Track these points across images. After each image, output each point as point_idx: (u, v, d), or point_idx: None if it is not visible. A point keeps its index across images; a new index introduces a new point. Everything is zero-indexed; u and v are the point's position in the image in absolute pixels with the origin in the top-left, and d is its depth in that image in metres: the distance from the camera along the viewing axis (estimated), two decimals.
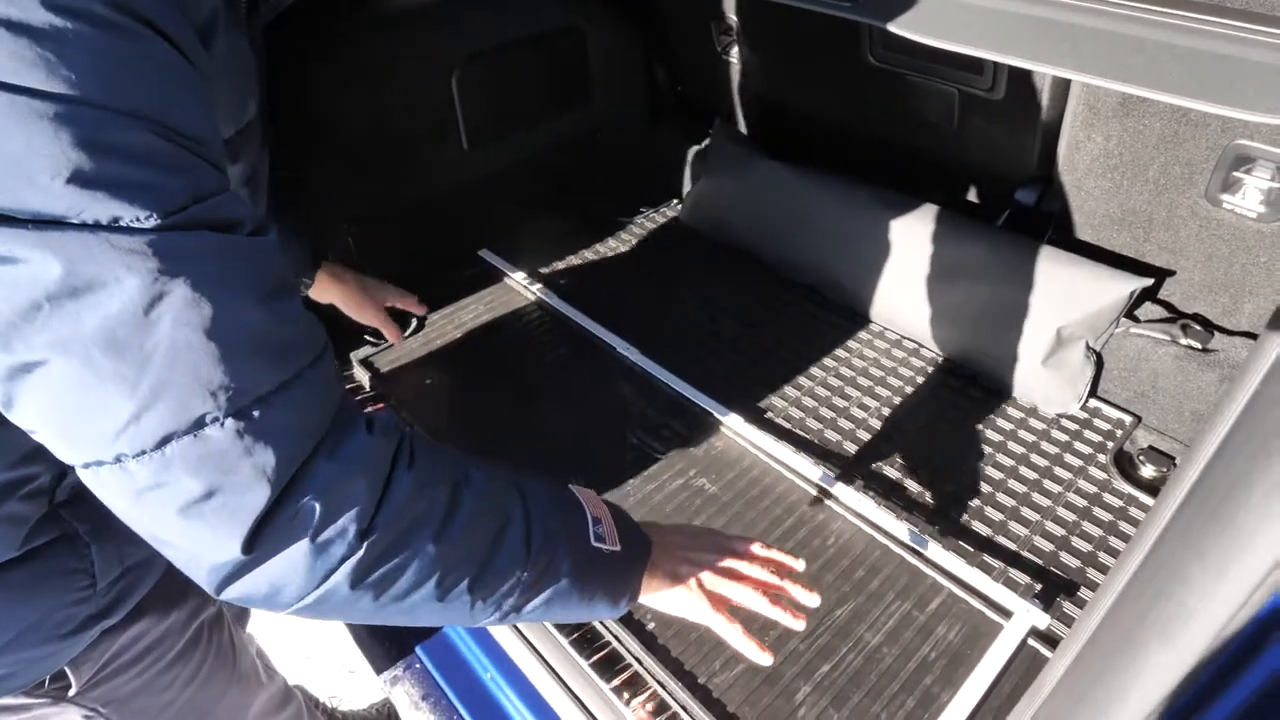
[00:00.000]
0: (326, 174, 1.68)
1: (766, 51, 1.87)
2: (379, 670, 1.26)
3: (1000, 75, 1.46)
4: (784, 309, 1.78)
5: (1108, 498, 1.33)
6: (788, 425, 1.50)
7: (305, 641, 2.04)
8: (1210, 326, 1.45)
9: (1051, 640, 1.13)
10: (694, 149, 2.15)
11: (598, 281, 1.90)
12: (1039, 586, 1.20)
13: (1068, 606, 1.17)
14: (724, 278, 1.88)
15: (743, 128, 2.11)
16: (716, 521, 1.32)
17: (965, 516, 1.31)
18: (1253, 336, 1.41)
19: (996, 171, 1.63)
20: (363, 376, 1.63)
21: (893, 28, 1.10)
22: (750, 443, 1.45)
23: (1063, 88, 1.41)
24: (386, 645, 1.27)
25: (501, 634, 1.20)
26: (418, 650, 1.24)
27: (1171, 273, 1.47)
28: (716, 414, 1.51)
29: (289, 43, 1.58)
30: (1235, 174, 1.28)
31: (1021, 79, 1.44)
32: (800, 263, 1.84)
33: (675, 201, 2.18)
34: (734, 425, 1.48)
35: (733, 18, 1.87)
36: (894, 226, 1.68)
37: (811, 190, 1.81)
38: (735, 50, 1.95)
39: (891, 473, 1.39)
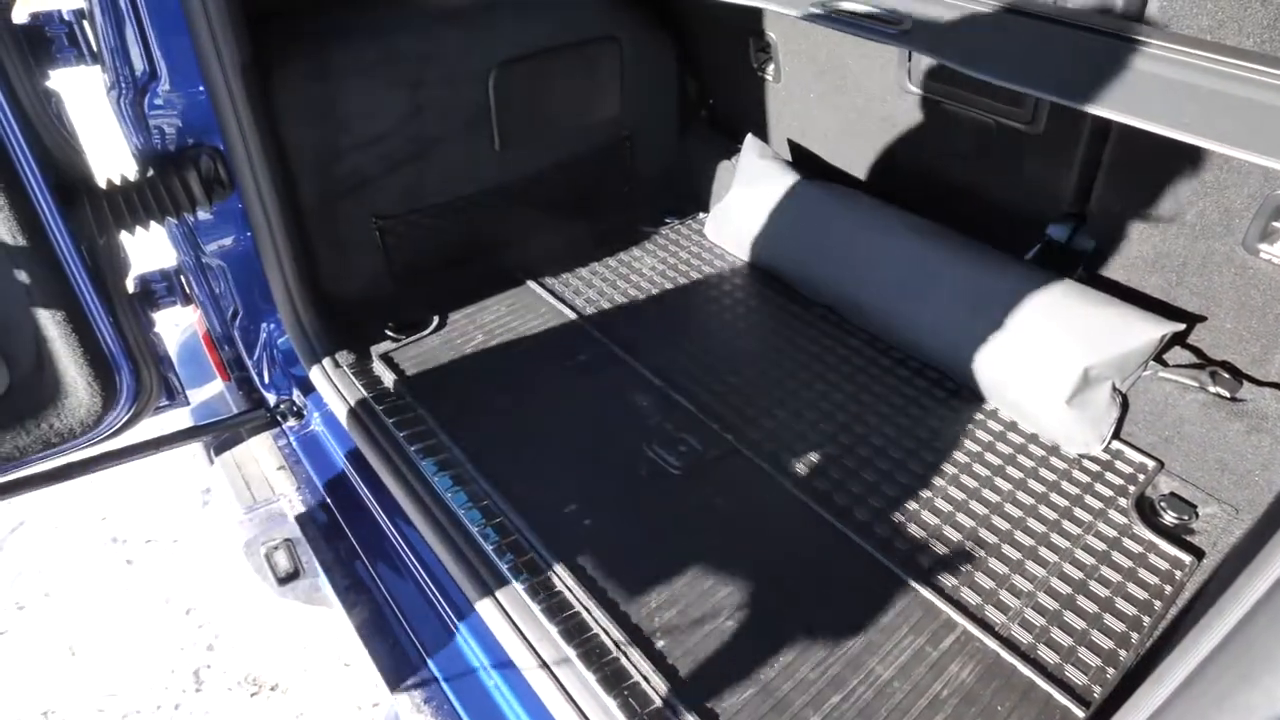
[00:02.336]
0: (354, 166, 1.68)
1: (803, 70, 1.86)
2: (382, 670, 1.26)
3: (1041, 110, 1.45)
4: (805, 329, 1.77)
5: (1128, 543, 1.31)
6: (804, 448, 1.49)
7: (302, 633, 2.04)
8: (1239, 375, 1.44)
9: (1065, 685, 1.11)
10: (722, 163, 2.14)
11: (619, 290, 1.89)
12: (1054, 629, 1.19)
13: (1083, 652, 1.16)
14: (745, 293, 1.88)
15: (773, 144, 2.11)
16: (731, 543, 1.31)
17: (982, 553, 1.30)
18: None
19: (1029, 205, 1.62)
20: (383, 371, 1.63)
21: (942, 60, 1.10)
22: (765, 464, 1.44)
23: (1103, 126, 1.40)
24: (394, 653, 1.27)
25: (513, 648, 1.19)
26: (430, 663, 1.24)
27: (1203, 319, 1.45)
28: (733, 434, 1.50)
29: (315, 31, 1.59)
30: (1275, 224, 1.27)
31: (1062, 115, 1.43)
32: (822, 282, 1.83)
33: (701, 214, 2.17)
34: (750, 446, 1.47)
35: (771, 35, 1.87)
36: (920, 253, 1.67)
37: (839, 211, 1.80)
38: (771, 67, 1.95)
39: (910, 504, 1.38)
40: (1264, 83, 0.96)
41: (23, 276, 1.25)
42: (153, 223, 1.41)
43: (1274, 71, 0.97)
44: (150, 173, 1.40)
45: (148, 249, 1.56)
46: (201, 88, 1.38)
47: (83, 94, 1.53)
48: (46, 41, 1.28)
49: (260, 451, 1.61)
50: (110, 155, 1.52)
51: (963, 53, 1.10)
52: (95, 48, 1.32)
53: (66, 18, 1.29)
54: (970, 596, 1.23)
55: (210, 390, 1.83)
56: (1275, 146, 0.89)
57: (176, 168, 1.41)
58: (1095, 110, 0.99)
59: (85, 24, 1.31)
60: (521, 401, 1.58)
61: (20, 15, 1.24)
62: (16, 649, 2.07)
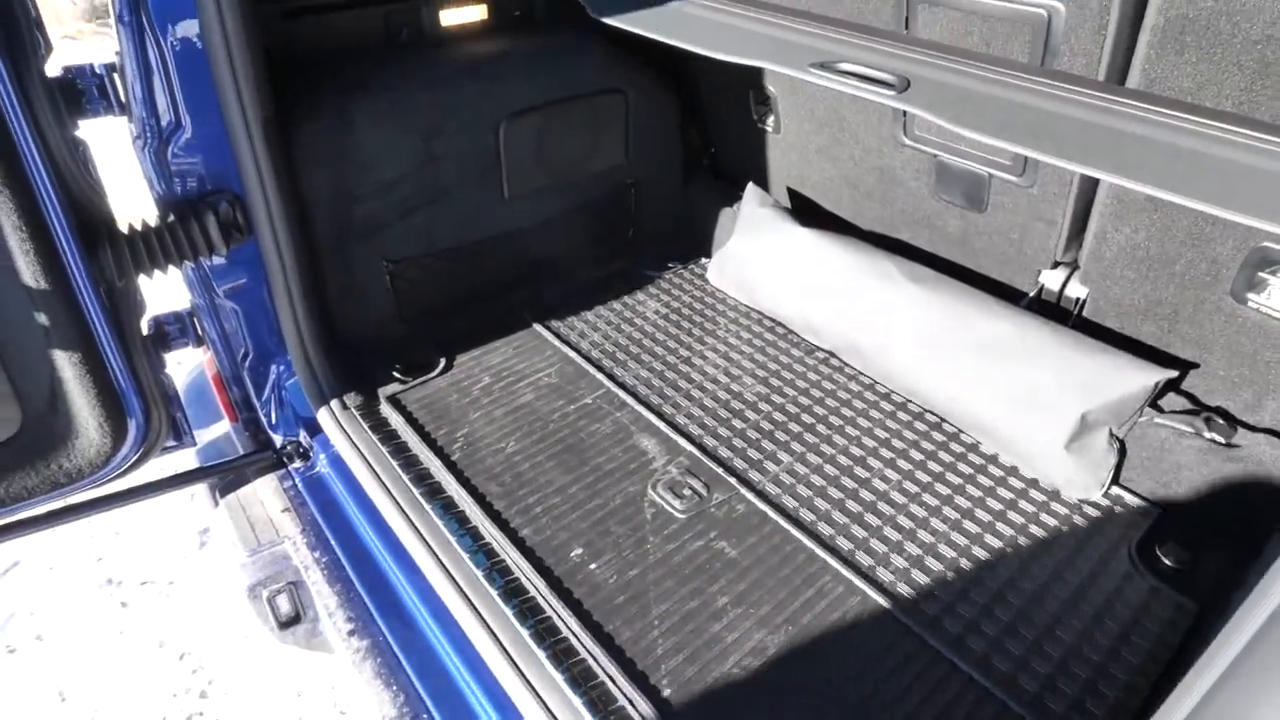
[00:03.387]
0: (368, 213, 1.73)
1: (802, 123, 1.93)
2: (381, 717, 1.25)
3: (1032, 163, 1.51)
4: (806, 373, 1.80)
5: (1130, 589, 1.32)
6: (808, 493, 1.50)
7: (298, 680, 2.02)
8: (1233, 421, 1.46)
9: None
10: (724, 209, 2.20)
11: (624, 334, 1.93)
12: (1061, 678, 1.19)
13: (1090, 702, 1.16)
14: (748, 337, 1.91)
15: (773, 192, 2.17)
16: (736, 587, 1.31)
17: (986, 600, 1.31)
18: (1276, 434, 1.42)
19: (1024, 254, 1.67)
20: (390, 413, 1.65)
21: (938, 119, 1.15)
22: (771, 508, 1.45)
23: (1093, 179, 1.46)
24: (396, 699, 1.26)
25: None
26: (431, 709, 1.23)
27: (1195, 365, 1.48)
28: (737, 477, 1.51)
29: (335, 84, 1.65)
30: (1261, 274, 1.31)
31: (1052, 168, 1.49)
32: (823, 327, 1.87)
33: (703, 259, 2.22)
34: (754, 490, 1.49)
35: (771, 89, 1.94)
36: (918, 299, 1.71)
37: (838, 258, 1.85)
38: (771, 119, 2.02)
39: (912, 548, 1.39)
40: (1241, 143, 1.01)
41: (42, 319, 1.28)
42: (170, 266, 1.44)
43: (1250, 133, 1.02)
44: (170, 218, 1.44)
45: (161, 290, 1.59)
46: (224, 138, 1.42)
47: (107, 142, 1.57)
48: (78, 93, 1.32)
49: (265, 493, 1.61)
50: (132, 200, 1.56)
51: (955, 112, 1.16)
52: (124, 99, 1.37)
53: (98, 71, 1.34)
54: (977, 644, 1.23)
55: (216, 431, 1.84)
56: (1251, 205, 0.94)
57: (196, 213, 1.45)
58: (1080, 169, 1.04)
59: (116, 77, 1.36)
60: (527, 444, 1.59)
61: (54, 68, 1.29)
62: (6, 693, 2.03)
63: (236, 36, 1.35)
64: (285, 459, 1.67)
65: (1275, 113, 1.14)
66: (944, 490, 1.51)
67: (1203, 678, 0.56)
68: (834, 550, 1.38)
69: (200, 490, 1.70)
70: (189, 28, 1.35)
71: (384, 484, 1.48)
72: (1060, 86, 1.19)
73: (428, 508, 1.43)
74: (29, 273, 1.22)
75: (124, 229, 1.39)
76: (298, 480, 1.62)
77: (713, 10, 1.61)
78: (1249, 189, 0.96)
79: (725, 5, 1.62)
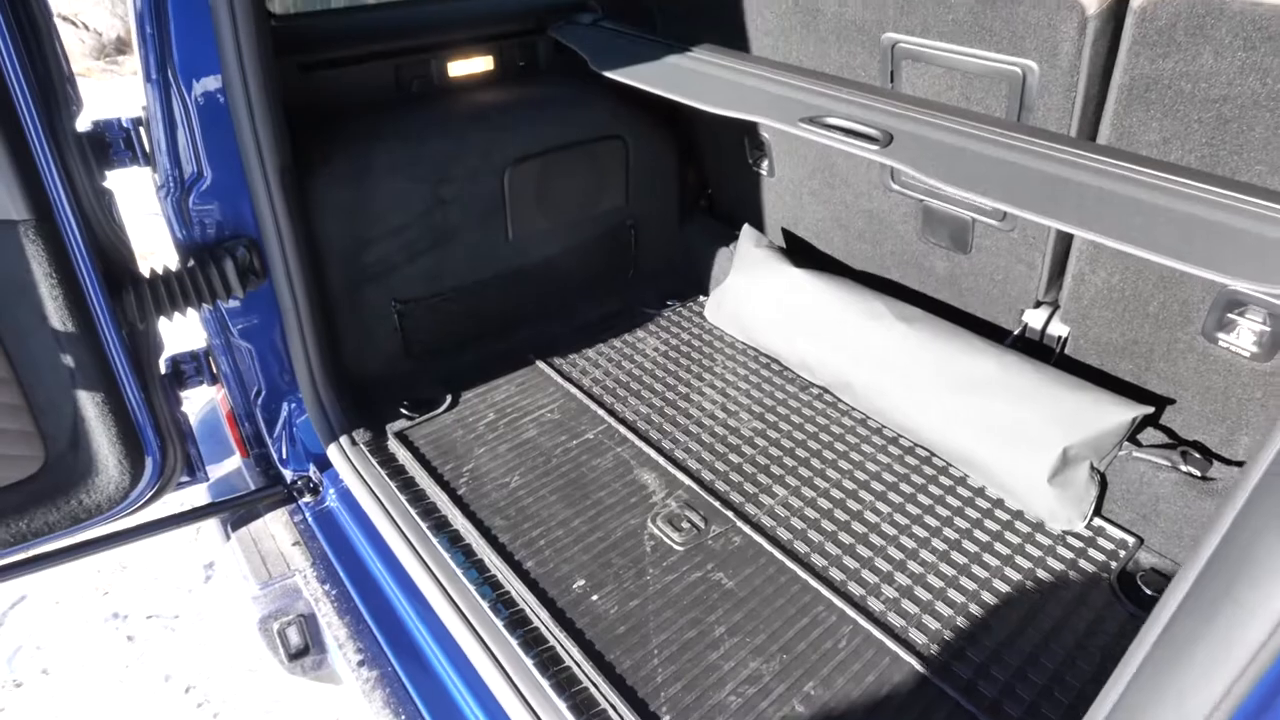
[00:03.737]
0: (378, 256, 1.80)
1: (795, 168, 2.01)
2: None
3: None
4: (800, 408, 1.86)
5: (1110, 618, 1.37)
6: (802, 525, 1.55)
7: (303, 712, 2.04)
8: (1209, 455, 1.52)
9: None
10: (721, 249, 2.28)
11: (624, 370, 1.99)
12: (1044, 704, 1.23)
13: None
14: (744, 373, 1.97)
15: (768, 233, 2.25)
16: (733, 617, 1.36)
17: (973, 628, 1.35)
18: None
19: (1007, 294, 1.74)
20: (397, 449, 1.70)
21: (917, 173, 1.23)
22: (766, 540, 1.50)
23: None
24: None
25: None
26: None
27: (1172, 401, 1.55)
28: (734, 511, 1.57)
29: (350, 135, 1.73)
30: (1230, 315, 1.38)
31: None
32: (816, 363, 1.93)
33: (701, 297, 2.29)
34: (750, 523, 1.54)
35: (765, 135, 2.03)
36: (907, 337, 1.77)
37: (830, 297, 1.92)
38: (765, 163, 2.10)
39: (902, 579, 1.44)
40: (1200, 198, 1.09)
41: (68, 360, 1.34)
42: (189, 308, 1.51)
43: (1209, 188, 1.10)
44: (190, 262, 1.51)
45: (177, 330, 1.65)
46: (242, 186, 1.50)
47: (128, 189, 1.65)
48: (105, 146, 1.40)
49: (276, 527, 1.66)
50: (153, 245, 1.62)
51: (935, 166, 1.23)
52: (149, 151, 1.44)
53: (125, 124, 1.42)
54: (963, 670, 1.28)
55: (227, 466, 1.89)
56: (1212, 260, 1.01)
57: (214, 258, 1.52)
58: (1048, 222, 1.11)
59: (142, 130, 1.44)
60: (531, 479, 1.64)
61: (84, 123, 1.36)
62: None
63: (257, 90, 1.43)
64: (295, 494, 1.72)
65: (1234, 167, 1.22)
66: (933, 522, 1.56)
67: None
68: (827, 581, 1.43)
69: (208, 525, 1.74)
70: (212, 82, 1.43)
71: (392, 518, 1.53)
72: (1034, 141, 1.27)
73: (435, 541, 1.48)
74: (57, 317, 1.29)
75: (146, 273, 1.46)
76: (308, 514, 1.67)
77: (708, 64, 1.70)
78: (1204, 242, 1.04)
79: (720, 59, 1.71)
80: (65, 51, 1.26)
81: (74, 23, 9.13)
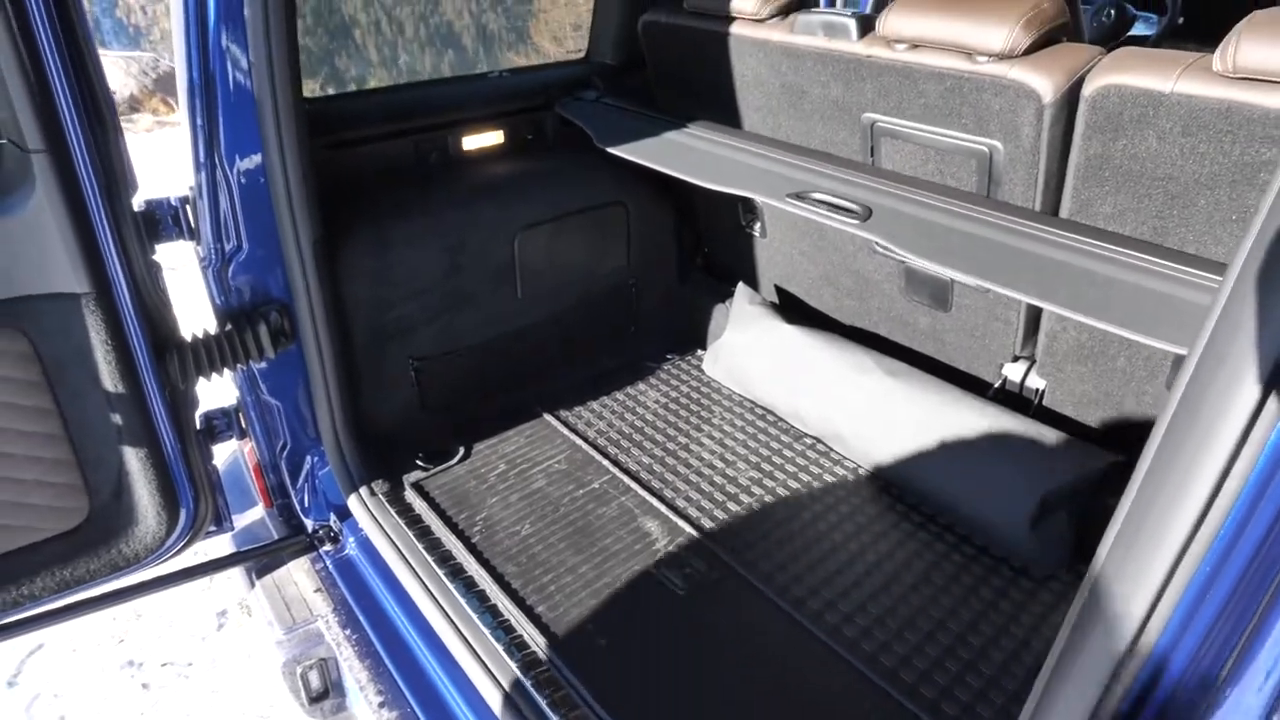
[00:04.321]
0: (399, 317, 1.92)
1: (786, 231, 2.15)
2: None
3: None
4: (795, 458, 1.97)
5: None
6: (797, 570, 1.64)
7: None
8: None
9: None
10: (718, 305, 2.40)
11: (627, 422, 2.10)
12: None
13: None
14: (740, 424, 2.08)
15: (762, 290, 2.38)
16: (734, 660, 1.44)
17: (960, 668, 1.43)
18: None
19: (987, 348, 1.86)
20: (414, 499, 1.80)
21: (893, 245, 1.36)
22: (764, 584, 1.59)
23: None
24: None
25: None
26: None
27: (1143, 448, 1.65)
28: (734, 556, 1.66)
29: (375, 209, 1.87)
30: None
31: None
32: (809, 415, 2.04)
33: (699, 351, 2.41)
34: (749, 567, 1.63)
35: (757, 200, 2.17)
36: (894, 390, 1.89)
37: (821, 352, 2.04)
38: (758, 225, 2.24)
39: (892, 622, 1.52)
40: (1149, 270, 1.21)
41: (116, 419, 1.45)
42: (226, 369, 1.62)
43: (1157, 260, 1.23)
44: (228, 327, 1.63)
45: (210, 389, 1.76)
46: (277, 257, 1.63)
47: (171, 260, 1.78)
48: (156, 222, 1.54)
49: (299, 574, 1.75)
50: (192, 311, 1.75)
51: (910, 241, 1.37)
52: (195, 226, 1.58)
53: (174, 203, 1.55)
54: (951, 708, 1.35)
55: (250, 517, 1.98)
56: (1155, 327, 1.13)
57: (249, 322, 1.64)
58: (1011, 293, 1.24)
59: (188, 207, 1.57)
60: (540, 527, 1.74)
61: (138, 203, 1.50)
62: None
63: (293, 169, 1.58)
64: (317, 542, 1.81)
65: (1182, 238, 1.35)
66: (921, 567, 1.65)
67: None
68: (822, 623, 1.51)
69: (233, 573, 1.83)
70: (253, 164, 1.57)
71: (410, 565, 1.62)
72: (999, 216, 1.41)
73: (450, 587, 1.57)
74: (109, 381, 1.40)
75: (188, 338, 1.58)
76: (328, 562, 1.76)
77: (703, 140, 1.85)
78: (1151, 312, 1.16)
79: (714, 135, 1.86)
80: (124, 138, 1.41)
81: None
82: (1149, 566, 0.65)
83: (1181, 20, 2.93)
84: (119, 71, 9.80)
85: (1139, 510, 0.66)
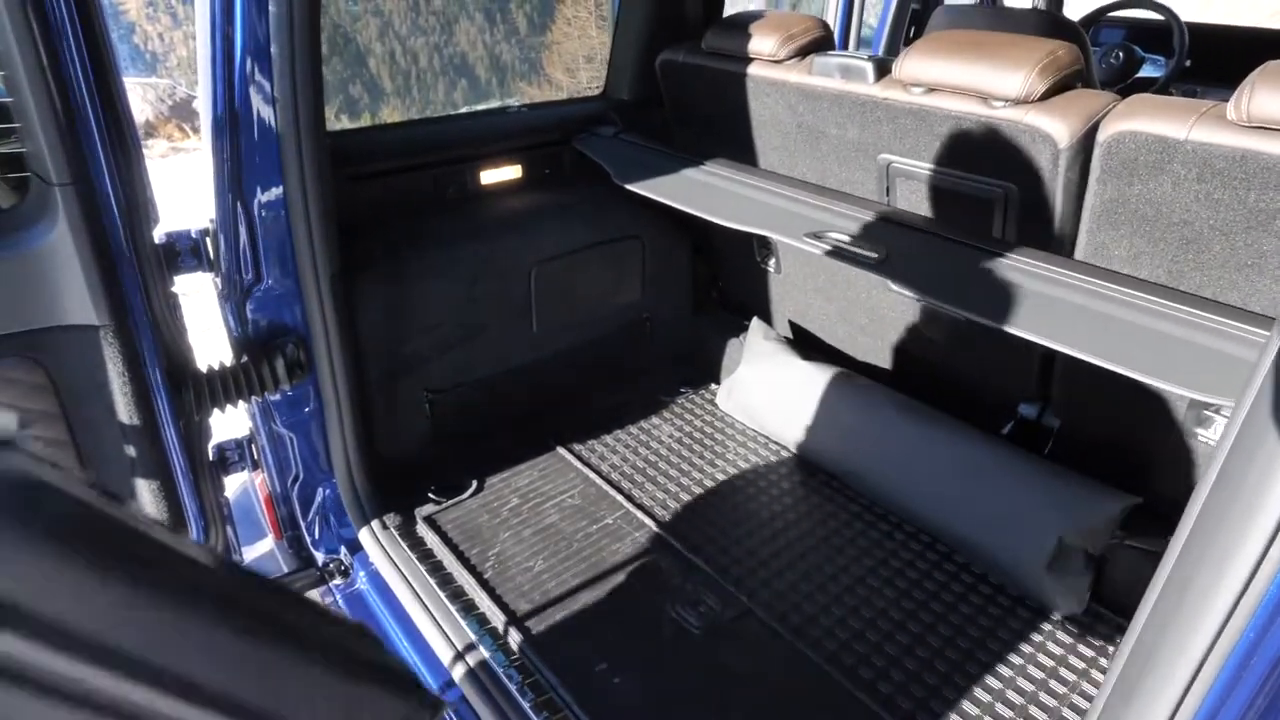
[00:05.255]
0: (414, 350, 1.93)
1: (801, 267, 2.16)
2: None
3: None
4: (809, 495, 1.95)
5: None
6: (813, 610, 1.62)
7: None
8: None
9: None
10: (732, 340, 2.41)
11: (640, 456, 2.09)
12: None
13: None
14: (754, 460, 2.07)
15: (776, 325, 2.38)
16: (749, 700, 1.42)
17: (979, 711, 1.41)
18: None
19: (1002, 387, 1.85)
20: (426, 533, 1.79)
21: (910, 290, 1.36)
22: (779, 623, 1.57)
23: None
24: None
25: None
26: None
27: (1159, 491, 1.64)
28: (748, 595, 1.64)
29: (392, 241, 1.89)
30: (1205, 412, 1.49)
31: None
32: (824, 452, 2.03)
33: (713, 385, 2.41)
34: (763, 607, 1.61)
35: (772, 238, 2.19)
36: (908, 429, 1.88)
37: (835, 389, 2.03)
38: (773, 261, 2.25)
39: (909, 663, 1.50)
40: (1165, 314, 1.21)
41: (131, 450, 1.45)
42: (240, 401, 1.62)
43: (1173, 304, 1.23)
44: (244, 358, 1.63)
45: (223, 419, 1.76)
46: (294, 290, 1.64)
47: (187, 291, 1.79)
48: (175, 255, 1.55)
49: None
50: (208, 343, 1.75)
51: (926, 283, 1.37)
52: (214, 258, 1.59)
53: (194, 235, 1.57)
54: None
55: (259, 549, 1.97)
56: (1172, 372, 1.13)
57: (266, 354, 1.64)
58: (1028, 335, 1.24)
59: (208, 240, 1.59)
60: (554, 563, 1.72)
61: (159, 235, 1.51)
62: None
63: (315, 202, 1.59)
64: (327, 575, 1.79)
65: (1197, 282, 1.35)
66: (938, 608, 1.63)
67: None
68: (838, 664, 1.49)
69: None
70: (275, 196, 1.58)
71: (421, 600, 1.61)
72: (1014, 258, 1.42)
73: (463, 623, 1.55)
74: (125, 413, 1.40)
75: (203, 369, 1.58)
76: (338, 596, 1.74)
77: (720, 178, 1.87)
78: (1168, 357, 1.16)
79: (731, 173, 1.88)
80: (146, 168, 1.42)
81: None
82: (1193, 631, 0.64)
83: (1189, 63, 2.96)
84: (135, 98, 9.97)
85: (1184, 568, 0.65)
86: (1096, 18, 3.27)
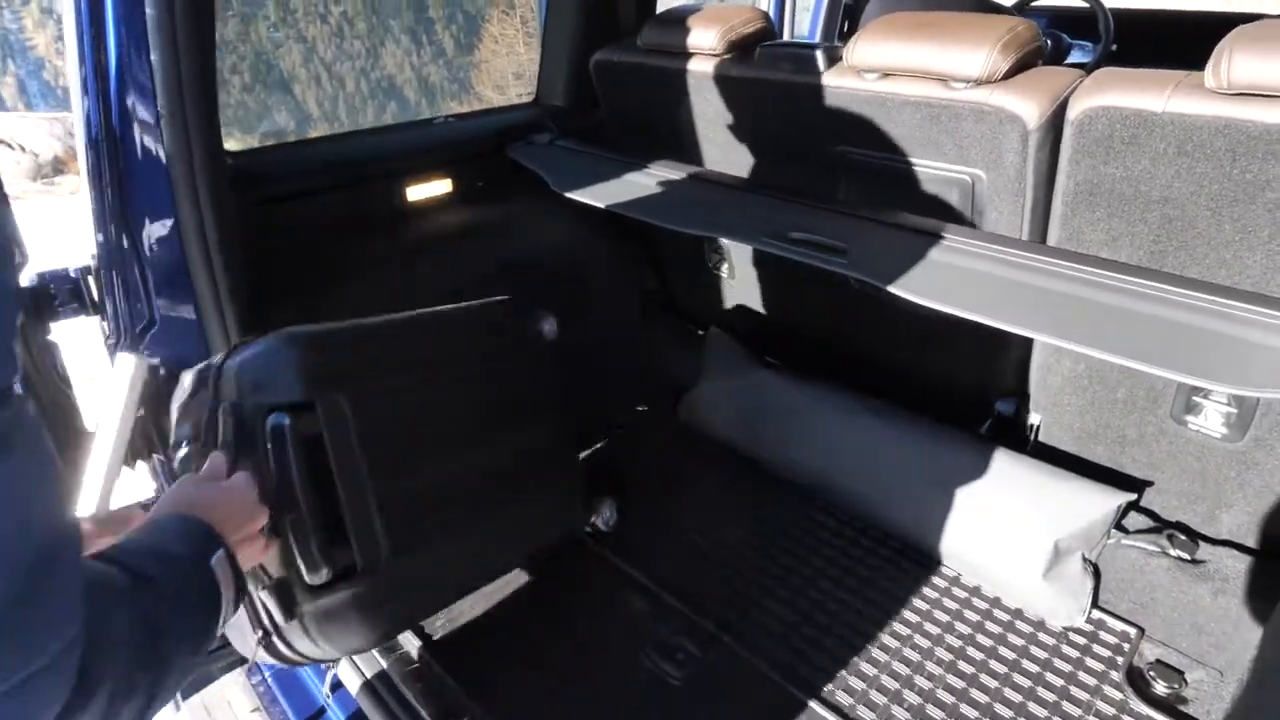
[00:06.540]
0: None
1: (754, 272, 2.04)
2: None
3: None
4: (781, 511, 1.82)
5: (1126, 717, 1.33)
6: (799, 642, 1.49)
7: None
8: (1194, 535, 1.53)
9: None
10: (688, 351, 2.27)
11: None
12: None
13: None
14: (721, 477, 1.94)
15: (734, 332, 2.26)
16: None
17: None
18: (1235, 546, 1.48)
19: (976, 384, 1.76)
20: None
21: (877, 283, 1.25)
22: (765, 663, 1.43)
23: None
24: None
25: None
26: None
27: (1150, 483, 1.56)
28: (730, 633, 1.50)
29: (312, 265, 1.70)
30: (1195, 399, 1.41)
31: None
32: (793, 463, 1.91)
33: (671, 401, 2.27)
34: (747, 645, 1.47)
35: (722, 240, 2.06)
36: (879, 432, 1.77)
37: (802, 397, 1.92)
38: (725, 266, 2.13)
39: (911, 696, 1.38)
40: (1146, 295, 1.13)
41: None
42: (139, 461, 1.42)
43: (1154, 284, 1.14)
44: (140, 411, 1.42)
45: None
46: (196, 329, 1.44)
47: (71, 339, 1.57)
48: (50, 298, 1.34)
49: (233, 692, 1.52)
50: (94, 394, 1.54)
51: (893, 277, 1.26)
52: (98, 299, 1.39)
53: (73, 275, 1.36)
54: None
55: None
56: (1153, 354, 1.03)
57: (166, 406, 1.44)
58: (1002, 325, 1.14)
59: (90, 278, 1.38)
60: (519, 607, 1.55)
61: (27, 277, 1.31)
62: None
63: (213, 230, 1.40)
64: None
65: (1181, 262, 1.27)
66: (934, 630, 1.51)
67: None
68: (834, 707, 1.36)
69: None
70: (166, 225, 1.39)
71: (363, 674, 1.42)
72: (985, 246, 1.32)
73: (411, 698, 1.36)
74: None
75: (90, 427, 1.37)
76: (268, 675, 1.53)
77: (665, 182, 1.74)
78: (1153, 339, 1.06)
79: (676, 174, 1.75)
80: (10, 209, 1.22)
81: (9, 144, 9.05)
82: None
83: (1115, 47, 2.97)
84: (43, 134, 9.41)
85: None
86: (1023, 5, 3.27)
